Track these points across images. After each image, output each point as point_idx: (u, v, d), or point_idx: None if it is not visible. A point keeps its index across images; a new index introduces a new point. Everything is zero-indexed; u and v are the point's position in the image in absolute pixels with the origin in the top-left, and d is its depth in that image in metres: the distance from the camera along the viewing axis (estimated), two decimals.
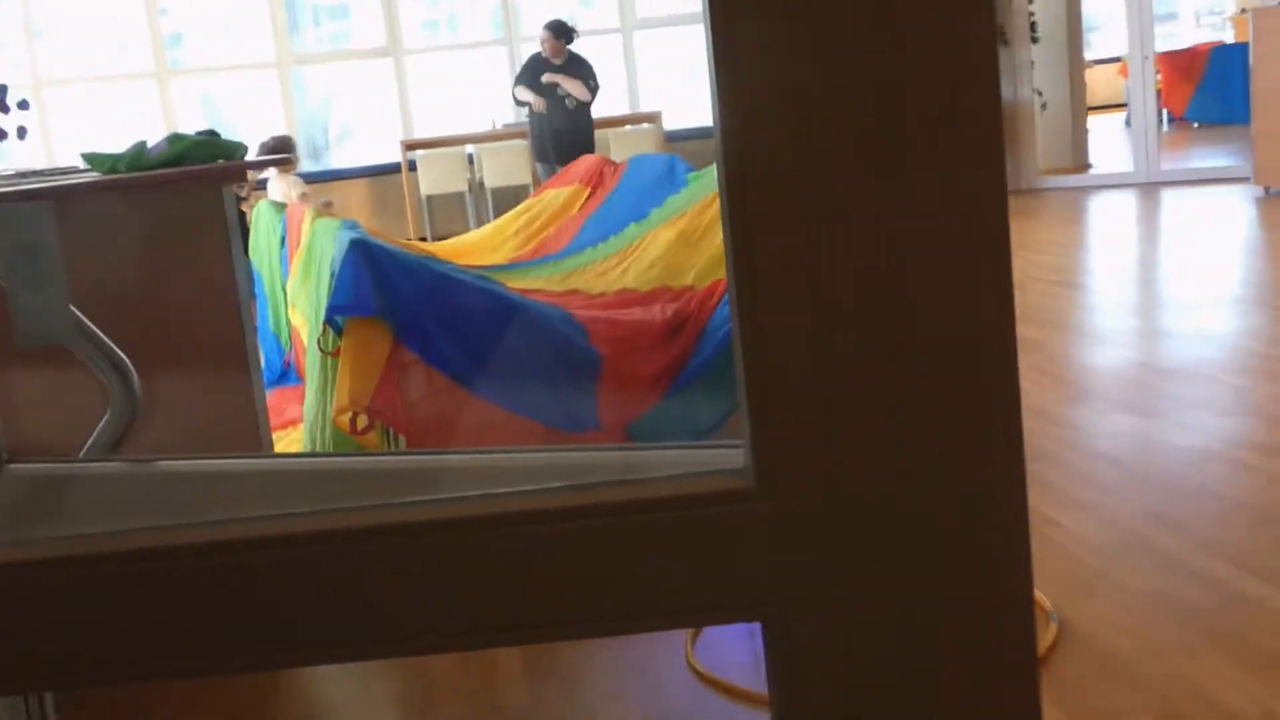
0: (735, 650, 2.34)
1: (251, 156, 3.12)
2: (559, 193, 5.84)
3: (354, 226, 3.78)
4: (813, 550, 0.69)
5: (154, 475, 1.09)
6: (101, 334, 1.00)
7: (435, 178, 9.82)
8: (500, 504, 0.75)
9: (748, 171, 0.64)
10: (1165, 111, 12.23)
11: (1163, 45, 10.78)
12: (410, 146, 10.16)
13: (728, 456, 0.88)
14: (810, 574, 0.70)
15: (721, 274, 4.28)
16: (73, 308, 1.00)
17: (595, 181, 5.81)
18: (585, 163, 6.10)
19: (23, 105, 2.84)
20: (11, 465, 1.04)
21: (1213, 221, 7.06)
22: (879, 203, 0.63)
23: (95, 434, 1.04)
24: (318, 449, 3.54)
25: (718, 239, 4.62)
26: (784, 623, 0.71)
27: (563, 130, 8.04)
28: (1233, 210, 7.18)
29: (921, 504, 0.68)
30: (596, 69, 8.30)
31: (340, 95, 11.31)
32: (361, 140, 11.16)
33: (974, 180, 0.63)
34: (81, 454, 1.04)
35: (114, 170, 2.57)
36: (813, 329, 0.67)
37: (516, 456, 1.06)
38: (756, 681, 2.19)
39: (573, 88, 8.07)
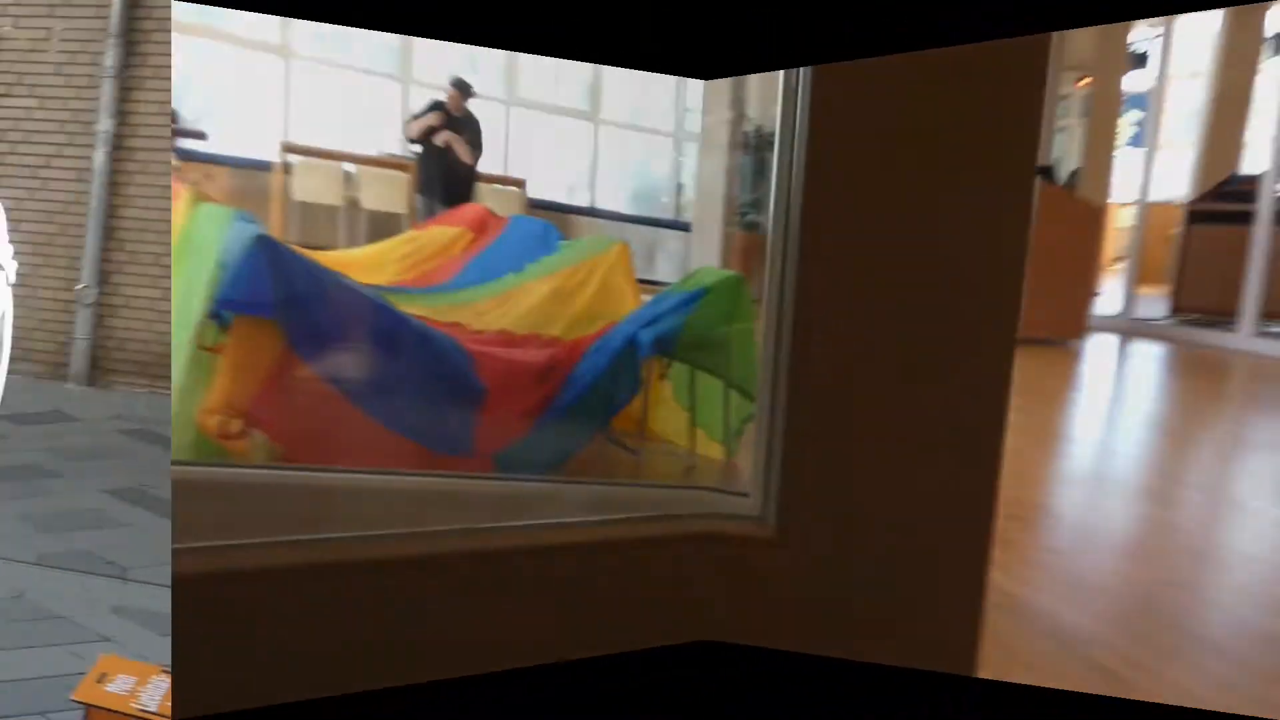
0: None
1: None
2: (444, 231, 6.10)
3: (252, 219, 3.59)
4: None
5: None
6: None
7: (311, 187, 9.70)
8: (533, 535, 0.82)
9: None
10: None
11: None
12: (289, 149, 9.99)
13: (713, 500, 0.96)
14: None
15: (587, 330, 4.50)
16: None
17: (479, 229, 6.01)
18: (472, 210, 6.41)
19: None
20: None
21: None
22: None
23: None
24: (173, 451, 3.42)
25: (583, 299, 4.88)
26: None
27: (453, 175, 8.39)
28: None
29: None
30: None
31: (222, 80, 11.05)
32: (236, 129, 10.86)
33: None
34: None
35: None
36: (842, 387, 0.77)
37: (490, 483, 1.13)
38: None
39: (461, 152, 8.57)
